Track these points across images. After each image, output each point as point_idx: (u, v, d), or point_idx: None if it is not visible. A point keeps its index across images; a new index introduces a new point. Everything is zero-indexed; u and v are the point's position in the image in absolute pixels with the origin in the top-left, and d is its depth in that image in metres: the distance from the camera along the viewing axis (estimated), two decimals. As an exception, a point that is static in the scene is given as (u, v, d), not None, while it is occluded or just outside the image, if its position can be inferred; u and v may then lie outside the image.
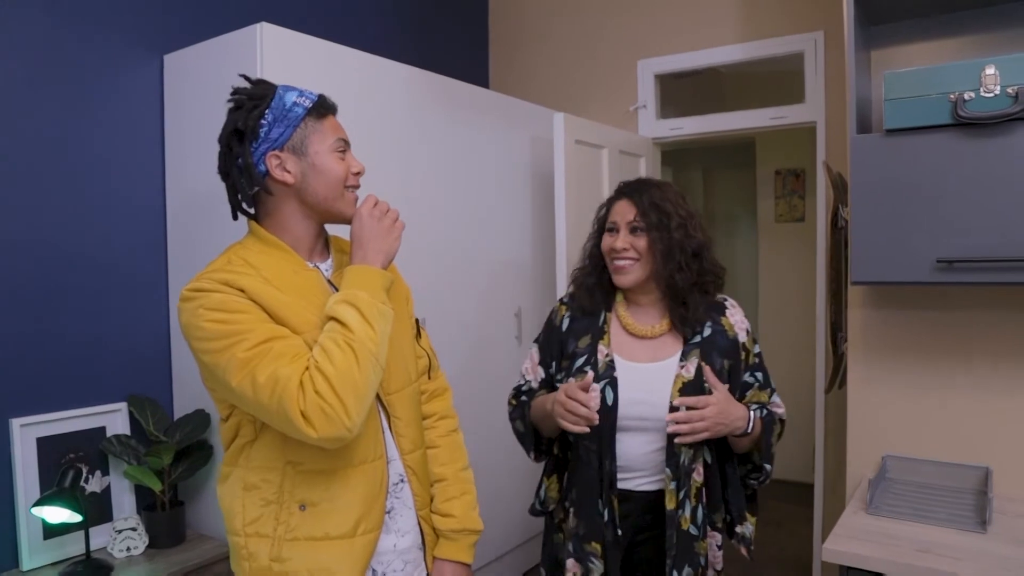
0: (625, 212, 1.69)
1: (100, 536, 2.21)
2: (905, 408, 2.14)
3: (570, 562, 1.66)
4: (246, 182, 1.36)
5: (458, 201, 2.91)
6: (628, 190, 1.73)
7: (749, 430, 1.60)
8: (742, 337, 1.71)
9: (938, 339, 2.09)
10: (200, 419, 2.32)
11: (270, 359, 1.18)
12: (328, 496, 1.30)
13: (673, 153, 5.45)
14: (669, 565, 1.60)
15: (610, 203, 1.76)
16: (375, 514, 1.34)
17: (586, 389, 1.53)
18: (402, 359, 1.45)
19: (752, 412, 1.62)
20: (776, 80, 3.93)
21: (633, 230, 1.67)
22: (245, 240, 1.41)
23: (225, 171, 1.39)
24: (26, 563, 2.08)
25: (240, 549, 1.32)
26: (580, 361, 1.69)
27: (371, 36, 3.26)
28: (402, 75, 2.63)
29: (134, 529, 2.19)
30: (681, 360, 1.64)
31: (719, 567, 1.73)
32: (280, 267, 1.34)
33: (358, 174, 1.41)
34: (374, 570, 1.39)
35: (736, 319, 1.74)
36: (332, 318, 1.24)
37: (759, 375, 1.74)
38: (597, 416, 1.53)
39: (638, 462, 1.64)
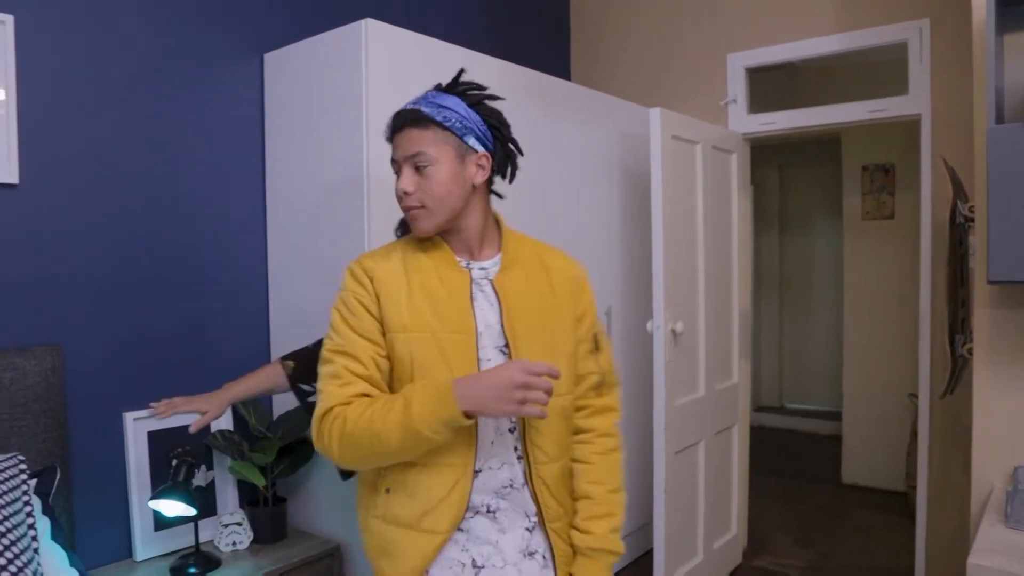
0: None
1: (205, 530, 2.24)
2: (1037, 415, 2.01)
3: None
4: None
5: (547, 197, 2.86)
6: None
7: None
8: None
9: (1076, 342, 1.96)
10: (301, 416, 2.33)
11: (330, 370, 1.36)
12: (404, 485, 1.37)
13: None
14: None
15: None
16: (441, 515, 1.35)
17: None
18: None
19: None
20: (860, 71, 3.79)
21: None
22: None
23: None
24: (139, 554, 2.12)
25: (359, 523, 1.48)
26: None
27: (452, 25, 3.23)
28: (495, 70, 2.60)
29: (240, 524, 2.21)
30: None
31: None
32: (430, 262, 1.43)
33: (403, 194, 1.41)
34: (474, 560, 1.39)
35: None
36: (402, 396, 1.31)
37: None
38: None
39: None
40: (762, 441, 3.70)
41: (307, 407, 1.99)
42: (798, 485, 4.82)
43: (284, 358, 2.00)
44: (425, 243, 1.44)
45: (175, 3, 2.28)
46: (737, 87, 3.47)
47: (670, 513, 2.85)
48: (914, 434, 4.07)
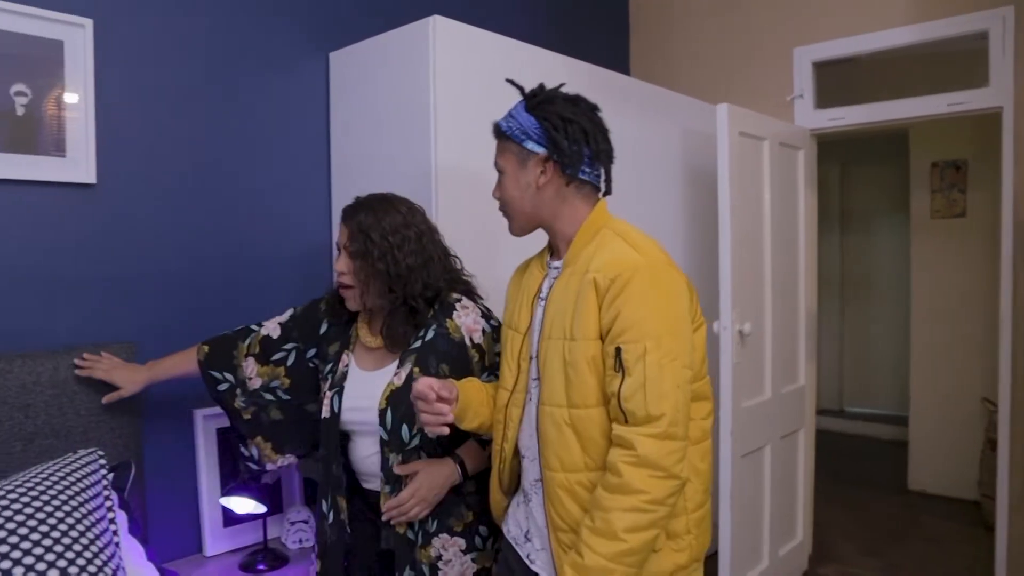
0: (343, 235, 1.71)
1: (271, 527, 2.24)
2: None
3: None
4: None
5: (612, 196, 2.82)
6: (347, 211, 1.73)
7: (462, 477, 1.65)
8: (475, 338, 1.70)
9: None
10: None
11: None
12: None
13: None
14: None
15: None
16: (494, 482, 1.59)
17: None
18: (553, 377, 1.42)
19: (458, 460, 1.65)
20: (930, 62, 3.64)
21: (351, 254, 1.69)
22: None
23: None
24: (209, 549, 2.15)
25: None
26: (327, 368, 1.79)
27: (511, 20, 3.18)
28: (558, 65, 2.57)
29: (306, 522, 2.22)
30: (398, 367, 1.68)
31: (471, 572, 1.69)
32: (533, 261, 1.60)
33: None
34: (528, 530, 1.52)
35: (466, 320, 1.70)
36: None
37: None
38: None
39: (366, 465, 1.71)
40: (822, 445, 3.59)
41: (215, 396, 1.87)
42: (862, 491, 4.68)
43: (204, 342, 1.91)
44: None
45: (243, 5, 2.30)
46: (804, 82, 3.38)
47: (736, 518, 2.78)
48: (988, 440, 3.92)
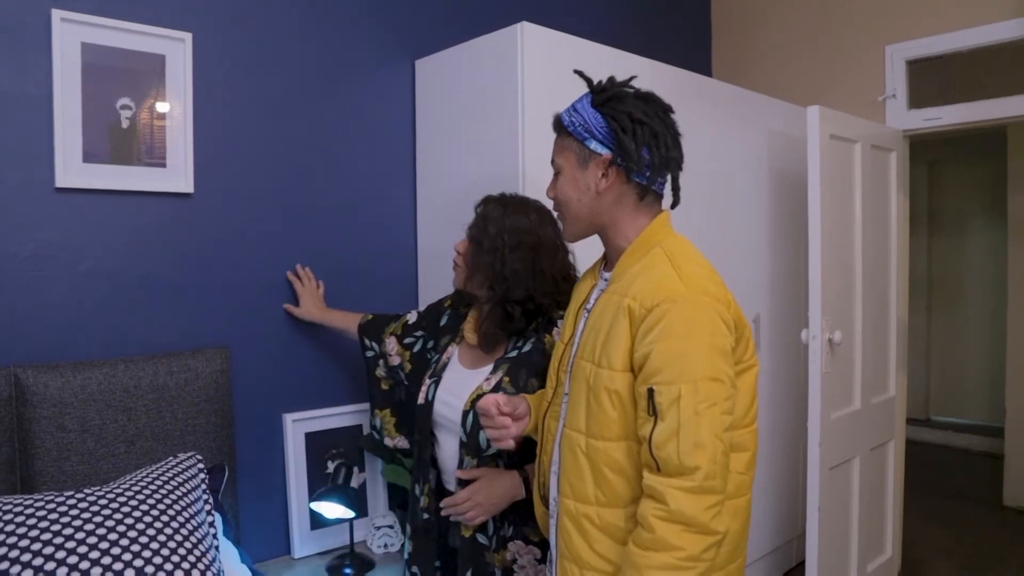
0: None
1: (357, 530, 2.27)
2: None
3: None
4: None
5: (690, 200, 2.74)
6: (485, 198, 1.76)
7: (525, 493, 1.61)
8: None
9: None
10: (449, 420, 2.34)
11: None
12: None
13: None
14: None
15: None
16: (537, 492, 1.51)
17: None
18: (577, 399, 1.34)
19: (523, 476, 1.62)
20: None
21: (469, 236, 1.74)
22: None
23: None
24: (297, 551, 2.19)
25: None
26: (435, 356, 1.86)
27: (593, 23, 3.16)
28: (644, 69, 2.50)
29: (391, 526, 2.24)
30: (491, 372, 1.67)
31: None
32: (591, 270, 1.51)
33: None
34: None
35: None
36: None
37: None
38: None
39: (449, 464, 1.72)
40: (907, 455, 3.43)
41: (365, 359, 2.07)
42: (953, 505, 4.47)
43: (372, 312, 2.11)
44: None
45: (332, 16, 2.33)
46: (896, 81, 3.24)
47: (823, 532, 2.69)
48: (1095, 457, 3.70)
